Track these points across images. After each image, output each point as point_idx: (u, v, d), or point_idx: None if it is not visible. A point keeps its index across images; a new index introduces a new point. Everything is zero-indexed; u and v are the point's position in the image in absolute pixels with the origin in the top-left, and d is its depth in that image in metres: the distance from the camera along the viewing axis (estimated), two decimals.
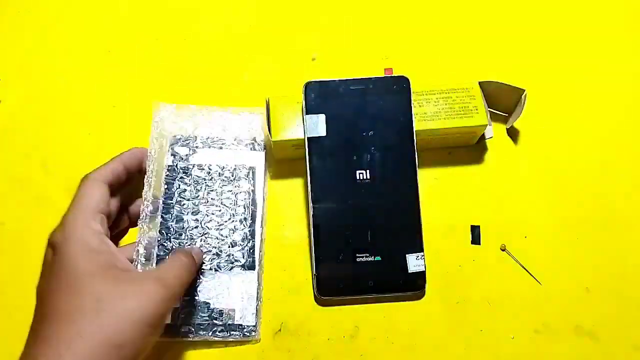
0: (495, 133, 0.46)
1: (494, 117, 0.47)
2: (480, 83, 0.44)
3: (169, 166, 0.42)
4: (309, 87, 0.41)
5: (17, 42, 0.52)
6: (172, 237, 0.40)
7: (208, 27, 0.53)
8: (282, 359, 0.38)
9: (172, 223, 0.40)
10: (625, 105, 0.48)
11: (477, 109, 0.42)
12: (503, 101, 0.45)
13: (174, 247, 0.39)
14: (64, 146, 0.47)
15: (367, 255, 0.40)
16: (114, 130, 0.47)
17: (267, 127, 0.42)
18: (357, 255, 0.40)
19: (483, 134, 0.45)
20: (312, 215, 0.40)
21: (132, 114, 0.48)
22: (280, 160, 0.45)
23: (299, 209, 0.44)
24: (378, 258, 0.40)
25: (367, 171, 0.40)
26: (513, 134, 0.47)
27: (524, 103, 0.43)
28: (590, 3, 0.53)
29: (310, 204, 0.40)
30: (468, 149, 0.46)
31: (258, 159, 0.43)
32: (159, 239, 0.39)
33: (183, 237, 0.40)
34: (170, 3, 0.54)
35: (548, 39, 0.52)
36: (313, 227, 0.40)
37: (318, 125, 0.41)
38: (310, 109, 0.41)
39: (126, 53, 0.51)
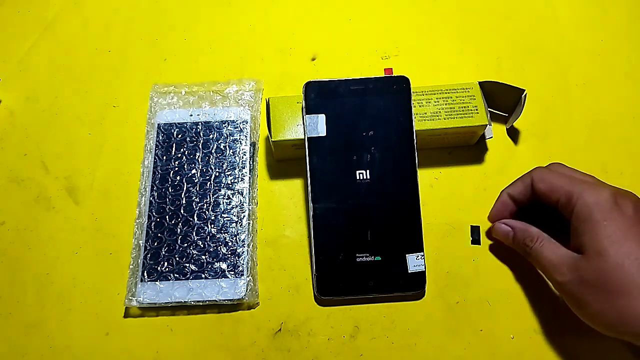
0: (495, 133, 0.46)
1: (494, 117, 0.47)
2: (480, 83, 0.44)
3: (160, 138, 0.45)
4: (309, 87, 0.41)
5: (17, 42, 0.52)
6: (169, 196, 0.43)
7: (208, 27, 0.53)
8: (282, 359, 0.38)
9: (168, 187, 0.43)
10: (625, 105, 0.48)
11: (477, 109, 0.42)
12: (503, 101, 0.45)
13: (170, 208, 0.42)
14: (64, 146, 0.47)
15: (367, 255, 0.40)
16: (114, 130, 0.47)
17: (267, 127, 0.42)
18: (357, 255, 0.40)
19: (483, 134, 0.45)
20: (312, 215, 0.40)
21: (132, 114, 0.48)
22: (280, 160, 0.45)
23: (299, 209, 0.44)
24: (378, 258, 0.40)
25: (367, 171, 0.40)
26: (513, 134, 0.47)
27: (524, 103, 0.43)
28: (590, 4, 0.54)
29: (310, 204, 0.40)
30: (468, 149, 0.46)
31: (245, 113, 0.46)
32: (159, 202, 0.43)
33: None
34: (171, 3, 0.54)
35: (548, 39, 0.52)
36: (313, 227, 0.40)
37: (318, 125, 0.41)
38: (310, 109, 0.41)
39: (126, 53, 0.51)
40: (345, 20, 0.53)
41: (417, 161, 0.41)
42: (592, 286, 0.32)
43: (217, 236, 0.41)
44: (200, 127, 0.45)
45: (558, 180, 0.36)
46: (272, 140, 0.41)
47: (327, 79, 0.42)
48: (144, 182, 0.43)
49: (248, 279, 0.40)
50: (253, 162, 0.45)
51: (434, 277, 0.41)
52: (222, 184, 0.43)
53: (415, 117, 0.42)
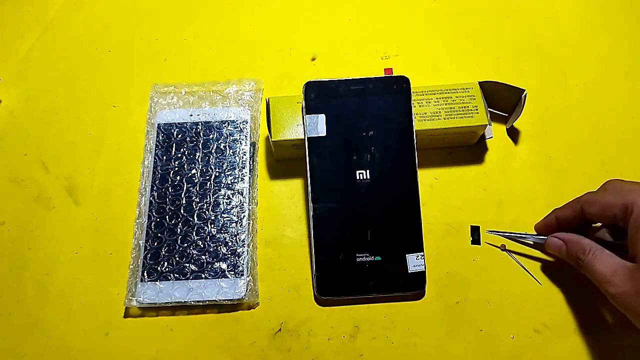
0: (495, 133, 0.46)
1: (494, 117, 0.47)
2: (480, 83, 0.44)
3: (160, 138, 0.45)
4: (309, 87, 0.41)
5: (17, 42, 0.52)
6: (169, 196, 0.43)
7: (208, 27, 0.53)
8: (282, 359, 0.38)
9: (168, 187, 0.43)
10: (625, 105, 0.48)
11: (477, 109, 0.42)
12: (503, 101, 0.45)
13: (170, 208, 0.42)
14: (64, 146, 0.47)
15: (367, 255, 0.40)
16: (114, 130, 0.47)
17: (267, 127, 0.42)
18: (357, 255, 0.40)
19: (483, 134, 0.45)
20: (312, 215, 0.40)
21: (132, 114, 0.48)
22: (280, 160, 0.45)
23: (299, 209, 0.44)
24: (378, 258, 0.40)
25: (367, 171, 0.40)
26: (513, 134, 0.47)
27: (524, 103, 0.43)
28: (590, 4, 0.54)
29: (310, 204, 0.40)
30: (468, 149, 0.46)
31: (245, 113, 0.46)
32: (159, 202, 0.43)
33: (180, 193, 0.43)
34: (171, 3, 0.54)
35: (548, 39, 0.52)
36: (313, 227, 0.40)
37: (318, 125, 0.41)
38: (310, 109, 0.41)
39: (126, 53, 0.51)
40: (345, 20, 0.53)
41: (417, 161, 0.41)
42: None
43: (217, 236, 0.41)
44: (200, 127, 0.45)
45: (609, 197, 0.35)
46: (272, 140, 0.41)
47: (327, 79, 0.42)
48: (144, 182, 0.43)
49: (248, 279, 0.40)
50: (253, 162, 0.45)
51: (434, 277, 0.41)
52: (222, 184, 0.43)
53: (415, 117, 0.42)
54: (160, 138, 0.45)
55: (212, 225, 0.42)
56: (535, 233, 0.42)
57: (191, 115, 0.46)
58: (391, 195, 0.40)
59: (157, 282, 0.40)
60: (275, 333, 0.39)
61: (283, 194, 0.44)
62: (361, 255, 0.40)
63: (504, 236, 0.42)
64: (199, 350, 0.39)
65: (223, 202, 0.43)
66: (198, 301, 0.39)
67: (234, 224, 0.42)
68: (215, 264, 0.40)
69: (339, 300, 0.40)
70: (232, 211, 0.42)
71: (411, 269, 0.40)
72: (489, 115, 0.42)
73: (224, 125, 0.45)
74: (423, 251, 0.40)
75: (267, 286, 0.41)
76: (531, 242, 0.42)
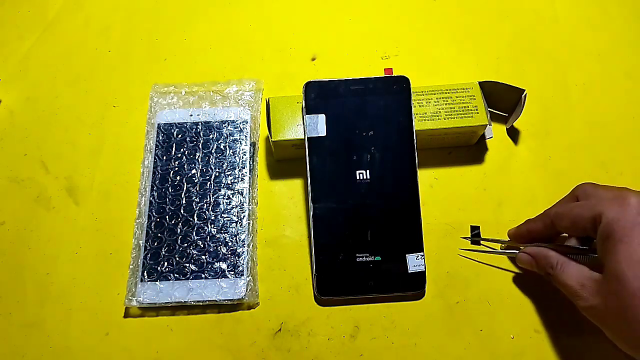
0: (495, 133, 0.46)
1: (494, 117, 0.47)
2: (480, 83, 0.44)
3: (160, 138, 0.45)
4: (309, 87, 0.41)
5: (17, 42, 0.52)
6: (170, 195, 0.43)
7: (208, 27, 0.53)
8: (282, 359, 0.38)
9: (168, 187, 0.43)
10: (625, 105, 0.48)
11: (477, 109, 0.42)
12: (503, 101, 0.45)
13: (170, 208, 0.42)
14: (64, 146, 0.47)
15: (367, 255, 0.40)
16: (114, 130, 0.47)
17: (267, 127, 0.42)
18: (357, 255, 0.40)
19: (483, 134, 0.45)
20: (312, 215, 0.40)
21: (132, 114, 0.48)
22: (280, 160, 0.45)
23: (299, 209, 0.44)
24: (378, 258, 0.40)
25: (367, 171, 0.40)
26: (513, 134, 0.47)
27: (524, 103, 0.43)
28: (590, 4, 0.54)
29: (310, 204, 0.40)
30: (468, 149, 0.46)
31: (245, 113, 0.46)
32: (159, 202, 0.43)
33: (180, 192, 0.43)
34: (171, 3, 0.54)
35: (548, 39, 0.52)
36: (313, 227, 0.40)
37: (318, 125, 0.41)
38: (310, 109, 0.41)
39: (126, 53, 0.51)
40: (345, 20, 0.53)
41: (417, 161, 0.41)
42: (612, 313, 0.30)
43: (217, 236, 0.41)
44: (200, 127, 0.45)
45: (578, 210, 0.34)
46: (272, 140, 0.41)
47: (327, 79, 0.42)
48: (144, 182, 0.43)
49: (248, 279, 0.40)
50: (253, 162, 0.45)
51: (434, 277, 0.41)
52: (222, 184, 0.43)
53: (415, 117, 0.42)
54: (160, 138, 0.45)
55: (212, 225, 0.42)
56: (508, 239, 0.41)
57: (191, 115, 0.46)
58: (391, 195, 0.40)
59: (157, 282, 0.40)
60: (275, 333, 0.39)
61: (283, 194, 0.44)
62: (361, 255, 0.40)
63: (477, 251, 0.41)
64: (199, 350, 0.39)
65: (223, 202, 0.43)
66: (198, 301, 0.39)
67: (234, 224, 0.42)
68: (215, 264, 0.40)
69: (339, 300, 0.40)
70: (232, 211, 0.42)
71: (411, 269, 0.40)
72: (489, 115, 0.42)
73: (224, 125, 0.45)
74: (423, 251, 0.40)
75: (267, 286, 0.41)
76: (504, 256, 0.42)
